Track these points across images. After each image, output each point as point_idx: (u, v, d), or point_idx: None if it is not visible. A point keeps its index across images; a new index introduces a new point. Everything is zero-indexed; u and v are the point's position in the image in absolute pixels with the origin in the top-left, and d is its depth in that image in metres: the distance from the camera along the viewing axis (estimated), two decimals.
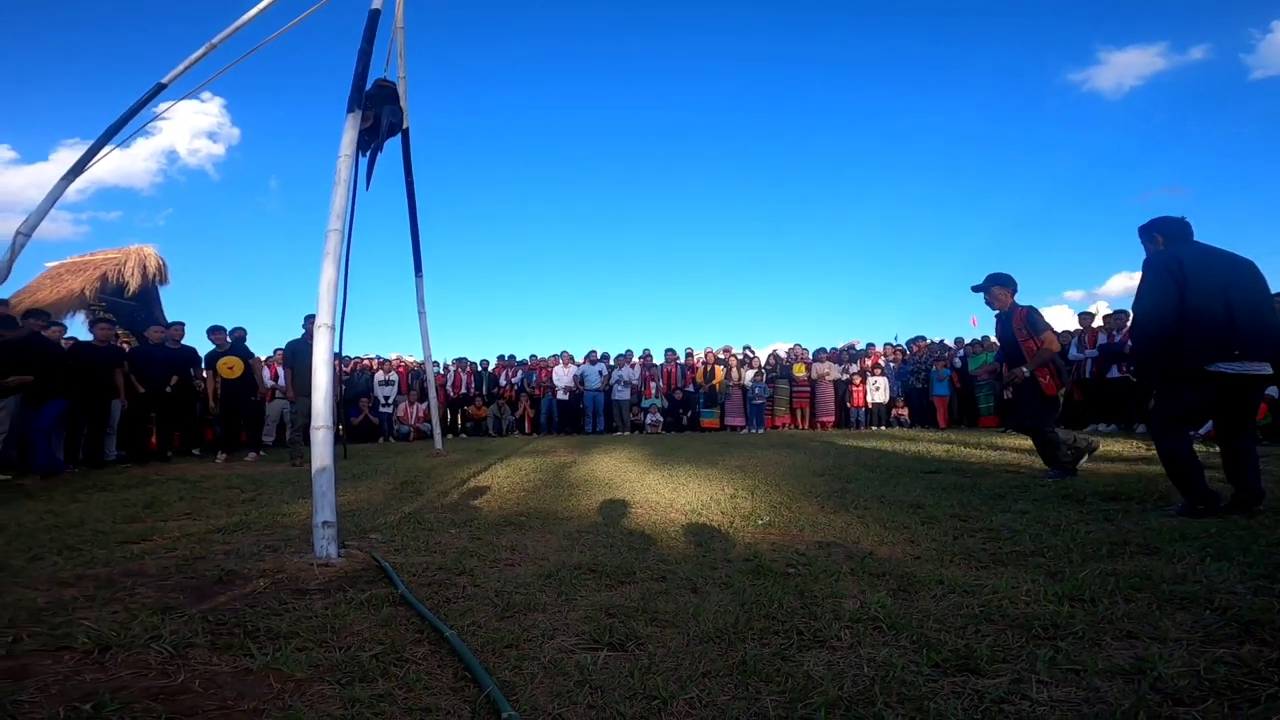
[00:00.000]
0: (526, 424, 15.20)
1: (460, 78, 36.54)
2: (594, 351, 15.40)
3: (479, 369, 15.98)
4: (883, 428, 13.16)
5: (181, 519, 4.07)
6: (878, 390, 13.30)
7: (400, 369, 15.25)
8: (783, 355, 14.77)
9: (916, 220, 37.52)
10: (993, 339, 12.72)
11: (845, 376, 13.68)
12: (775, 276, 38.49)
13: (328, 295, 3.44)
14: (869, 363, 13.94)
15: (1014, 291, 5.68)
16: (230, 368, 9.06)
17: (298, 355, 8.31)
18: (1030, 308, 5.57)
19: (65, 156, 31.96)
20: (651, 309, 37.96)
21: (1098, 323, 11.38)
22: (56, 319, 9.39)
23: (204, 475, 6.29)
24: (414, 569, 2.96)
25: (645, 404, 14.35)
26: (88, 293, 12.57)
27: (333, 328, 3.37)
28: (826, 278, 38.56)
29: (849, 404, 13.50)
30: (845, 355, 14.37)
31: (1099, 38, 33.03)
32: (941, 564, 3.00)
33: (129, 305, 12.69)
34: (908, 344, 14.61)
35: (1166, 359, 3.73)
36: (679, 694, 1.72)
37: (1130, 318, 6.08)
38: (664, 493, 5.29)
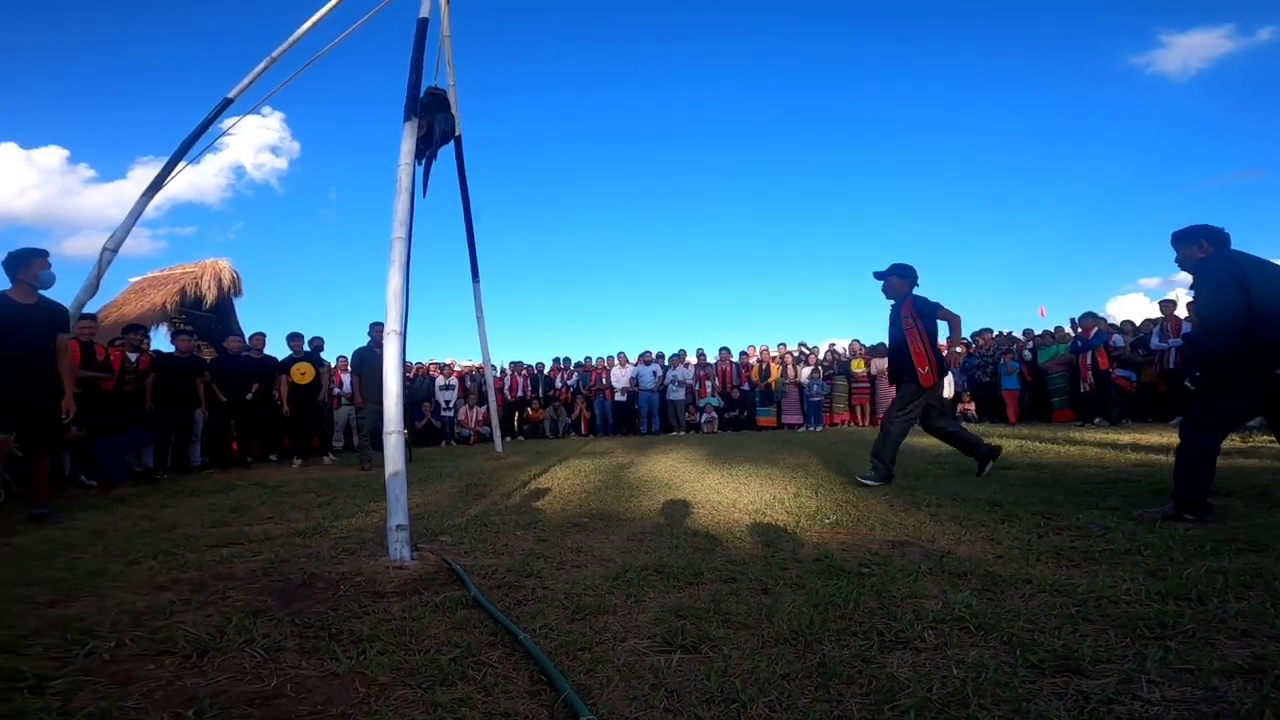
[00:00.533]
0: (583, 425, 15.32)
1: (509, 82, 37.11)
2: (648, 352, 15.41)
3: (535, 372, 16.19)
4: None
5: (264, 523, 4.23)
6: (942, 385, 12.84)
7: (459, 374, 15.57)
8: (840, 351, 14.47)
9: (977, 211, 36.31)
10: (1067, 330, 12.18)
11: None
12: (829, 272, 37.84)
13: (395, 303, 3.50)
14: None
15: (912, 284, 5.68)
16: (302, 373, 9.43)
17: (364, 363, 8.57)
18: (918, 295, 5.63)
19: (141, 174, 33.92)
20: (705, 308, 37.81)
21: (1180, 311, 10.73)
22: (148, 332, 9.95)
23: (282, 480, 6.55)
24: (484, 571, 2.99)
25: (701, 403, 14.27)
26: (169, 306, 13.26)
27: (401, 335, 3.43)
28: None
29: None
30: None
31: (1158, 21, 31.55)
32: (1027, 562, 2.87)
33: (207, 317, 13.32)
34: (972, 337, 14.10)
35: (1230, 364, 3.64)
36: (758, 697, 1.69)
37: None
38: (725, 493, 5.24)
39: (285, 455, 9.95)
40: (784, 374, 13.61)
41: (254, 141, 32.93)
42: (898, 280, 5.69)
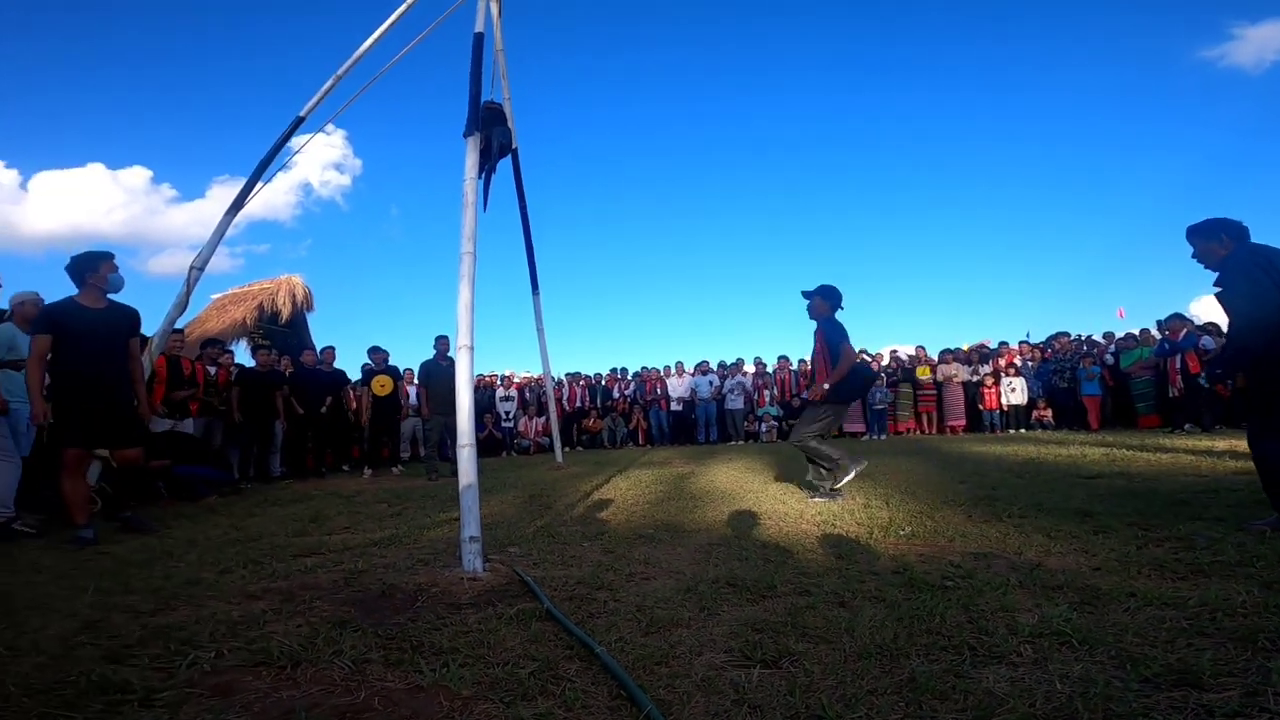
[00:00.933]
0: (640, 435, 15.32)
1: (563, 94, 37.69)
2: (704, 362, 15.32)
3: (592, 382, 16.30)
4: (1022, 430, 12.18)
5: (342, 532, 4.36)
6: (1014, 391, 12.32)
7: (517, 385, 15.80)
8: (904, 358, 14.07)
9: (1045, 212, 34.87)
10: (1153, 333, 11.57)
11: (975, 378, 12.79)
12: (891, 279, 36.94)
13: (465, 317, 3.55)
14: (1002, 363, 12.95)
15: (834, 307, 5.61)
16: (382, 385, 9.77)
17: (431, 375, 8.78)
18: (833, 320, 5.57)
19: (219, 192, 35.89)
20: (762, 317, 37.39)
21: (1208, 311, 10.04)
22: (226, 347, 10.46)
23: (356, 490, 6.76)
24: (554, 583, 2.99)
25: (759, 412, 14.08)
26: (248, 321, 13.89)
27: (472, 348, 3.48)
28: (946, 276, 36.56)
29: (981, 407, 12.60)
30: (975, 355, 13.44)
31: (1228, 14, 29.89)
32: (1128, 575, 2.71)
33: (282, 331, 13.90)
34: (1047, 341, 13.48)
35: (1275, 359, 3.47)
36: (845, 713, 1.63)
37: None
38: (791, 504, 5.13)
39: (356, 466, 10.30)
40: None
41: (320, 159, 34.36)
42: (820, 301, 5.62)
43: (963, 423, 12.74)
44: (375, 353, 10.12)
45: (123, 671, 1.89)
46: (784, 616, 2.57)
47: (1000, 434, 12.05)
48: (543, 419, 14.91)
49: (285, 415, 8.95)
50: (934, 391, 13.01)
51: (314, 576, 3.07)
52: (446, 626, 2.40)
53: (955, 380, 12.71)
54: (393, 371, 10.13)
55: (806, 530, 4.12)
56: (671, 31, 38.41)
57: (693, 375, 15.04)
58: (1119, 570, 2.79)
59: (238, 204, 6.44)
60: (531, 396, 15.40)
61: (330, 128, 7.14)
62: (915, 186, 36.41)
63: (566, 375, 16.48)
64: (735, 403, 14.01)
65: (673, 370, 15.48)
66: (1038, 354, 13.18)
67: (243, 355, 13.23)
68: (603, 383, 16.31)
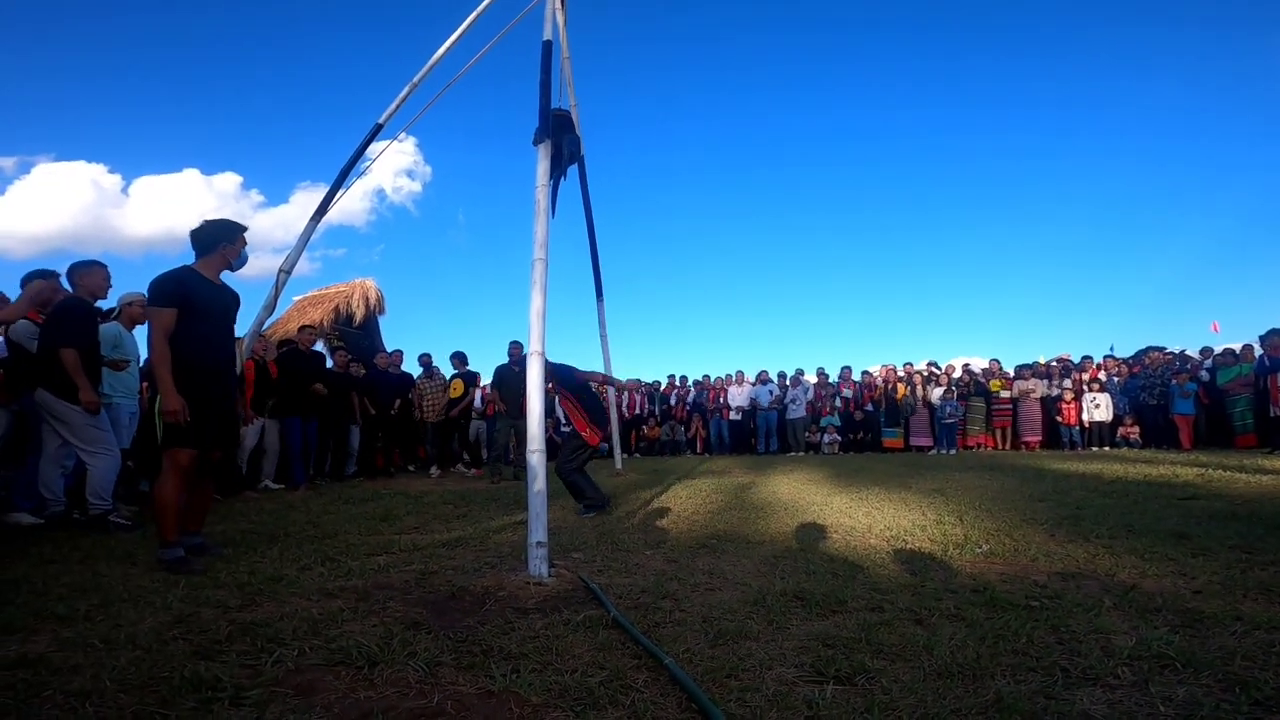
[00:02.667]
0: (698, 444, 15.21)
1: (627, 97, 37.95)
2: (764, 372, 15.11)
3: (651, 389, 16.30)
4: (1106, 448, 11.50)
5: (411, 532, 4.46)
6: (1097, 408, 11.65)
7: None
8: (977, 370, 13.54)
9: (1129, 222, 32.97)
10: (1254, 349, 10.79)
11: (1055, 392, 12.15)
12: (967, 290, 35.67)
13: (537, 324, 3.57)
14: (1085, 377, 12.29)
15: None
16: (455, 389, 10.09)
17: (504, 379, 8.94)
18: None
19: (301, 198, 37.56)
20: (824, 326, 36.66)
21: None
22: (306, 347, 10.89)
23: (423, 491, 6.92)
24: (618, 590, 2.98)
25: (822, 423, 13.78)
26: (325, 323, 14.43)
27: (543, 355, 3.50)
28: (1020, 289, 35.07)
29: (1060, 422, 11.96)
30: (1055, 369, 12.79)
31: None
32: (1233, 599, 2.54)
33: (356, 334, 14.40)
34: (1136, 355, 12.71)
35: None
36: None
37: None
38: (858, 517, 4.98)
39: (423, 466, 10.54)
40: (912, 394, 12.86)
41: (392, 165, 35.44)
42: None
43: (1039, 438, 12.12)
44: (455, 358, 10.48)
45: (213, 668, 1.96)
46: (856, 632, 2.49)
47: (1081, 451, 11.42)
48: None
49: (359, 415, 9.25)
50: (1010, 406, 12.43)
51: (387, 576, 3.14)
52: (515, 631, 2.41)
53: (1033, 395, 12.11)
54: (469, 377, 10.41)
55: (875, 545, 3.99)
56: (755, 33, 38.15)
57: (753, 384, 14.85)
58: (1222, 594, 2.61)
59: (322, 210, 6.71)
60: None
61: (403, 135, 7.36)
62: (996, 198, 35.03)
63: (627, 382, 16.52)
64: (797, 412, 13.74)
65: (733, 379, 15.33)
66: (1124, 369, 12.43)
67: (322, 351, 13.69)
68: (661, 390, 16.29)
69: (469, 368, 10.51)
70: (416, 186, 38.88)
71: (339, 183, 6.77)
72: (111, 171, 37.41)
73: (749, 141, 38.54)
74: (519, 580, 3.05)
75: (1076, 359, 13.50)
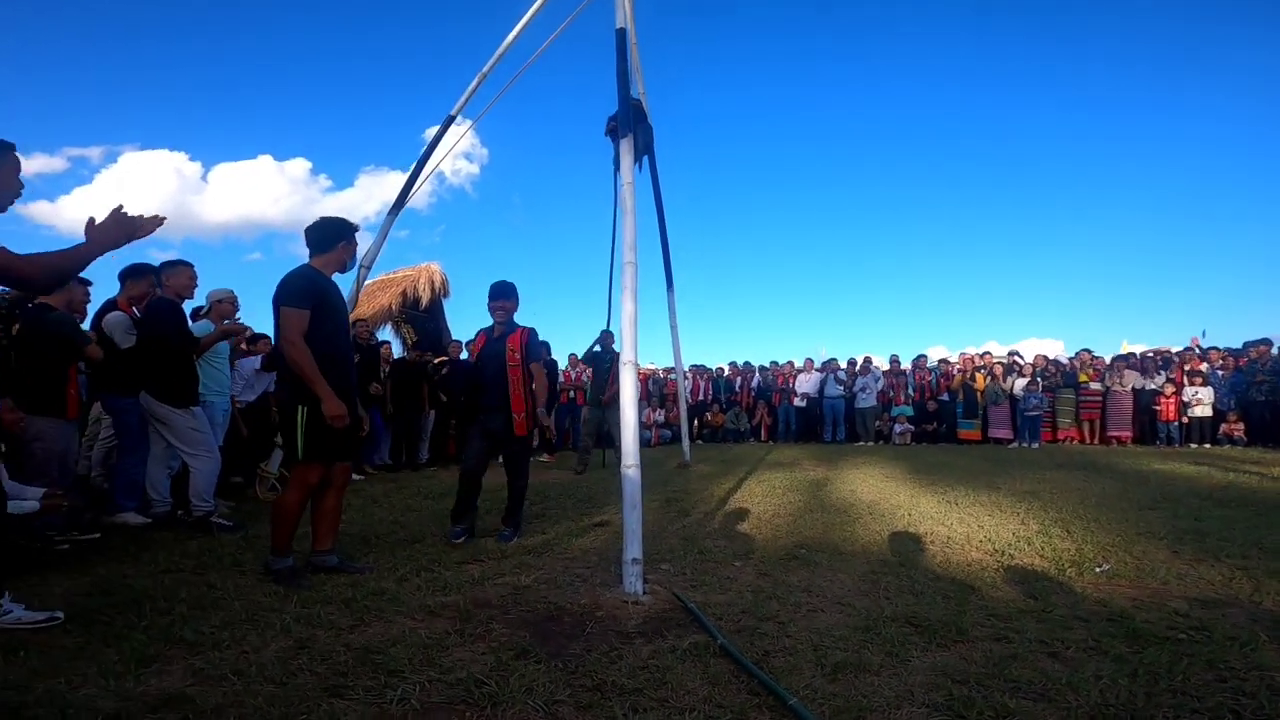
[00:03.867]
0: (763, 431, 14.97)
1: (690, 79, 37.32)
2: (833, 359, 14.71)
3: (716, 375, 16.11)
4: (1207, 446, 10.72)
5: (491, 535, 4.43)
6: (1199, 402, 10.86)
7: (641, 376, 15.85)
8: (1064, 361, 12.82)
9: (1238, 199, 30.48)
10: None
11: (1152, 385, 11.34)
12: (1044, 271, 33.97)
13: (630, 331, 3.44)
14: (1185, 370, 11.46)
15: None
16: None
17: (596, 366, 8.98)
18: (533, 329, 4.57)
19: (366, 181, 38.46)
20: (891, 311, 35.52)
21: None
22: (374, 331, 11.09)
23: (498, 484, 6.87)
24: (715, 610, 2.87)
25: (893, 413, 13.32)
26: (393, 307, 14.70)
27: (636, 364, 3.36)
28: (1092, 271, 33.14)
29: (1160, 417, 11.17)
30: (1152, 361, 11.97)
31: None
32: None
33: (422, 317, 14.65)
34: (1244, 347, 11.76)
35: None
36: None
37: None
38: (951, 524, 4.72)
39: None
40: (992, 383, 12.26)
41: (454, 148, 35.70)
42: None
43: (1129, 434, 11.37)
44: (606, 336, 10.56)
45: (341, 705, 1.95)
46: (985, 666, 2.32)
47: (1179, 448, 10.68)
48: (662, 411, 14.92)
49: (430, 404, 9.38)
50: (1100, 398, 11.71)
51: (483, 590, 3.11)
52: (622, 660, 2.33)
53: (1126, 387, 11.35)
54: (550, 365, 10.50)
55: (979, 559, 3.76)
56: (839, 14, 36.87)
57: (821, 372, 14.48)
58: None
59: (401, 200, 6.77)
60: (654, 388, 15.41)
61: (460, 118, 7.30)
62: (1080, 178, 33.05)
63: (691, 368, 16.37)
64: (867, 401, 13.30)
65: (799, 365, 15.00)
66: (1230, 361, 11.51)
67: (387, 338, 13.94)
68: (725, 376, 16.08)
69: (549, 356, 10.59)
70: (475, 169, 39.19)
71: (414, 175, 6.80)
72: (192, 159, 39.07)
73: (817, 117, 37.31)
74: (615, 598, 2.97)
75: (1155, 346, 12.65)
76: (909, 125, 35.78)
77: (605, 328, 8.66)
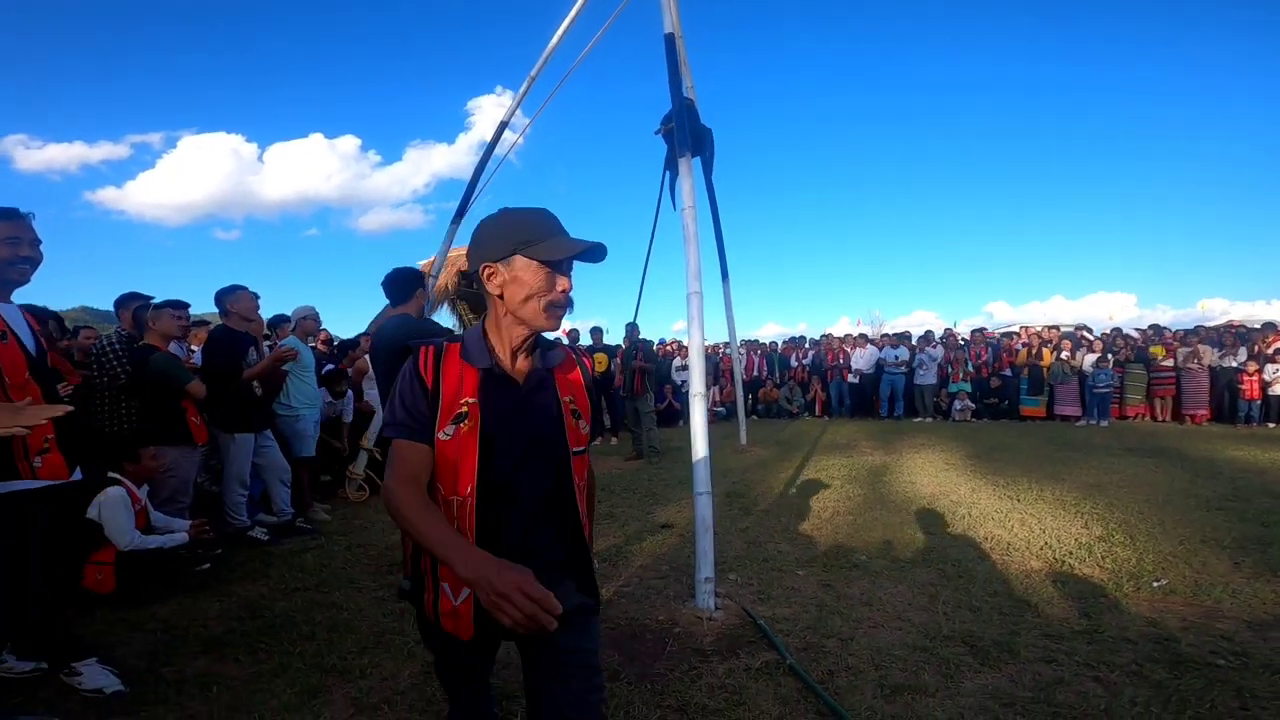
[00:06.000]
0: (817, 406, 14.99)
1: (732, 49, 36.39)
2: (889, 334, 14.55)
3: (769, 350, 16.16)
4: None
5: None
6: (1279, 379, 10.38)
7: None
8: (1135, 335, 12.37)
9: None
10: None
11: (1233, 363, 10.85)
12: (1104, 222, 32.31)
13: (698, 363, 3.62)
14: (1268, 346, 10.93)
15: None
16: (599, 362, 10.66)
17: (625, 361, 9.26)
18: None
19: (414, 155, 39.29)
20: (947, 266, 34.44)
21: None
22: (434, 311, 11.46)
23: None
24: (783, 625, 3.13)
25: (952, 389, 13.14)
26: (449, 286, 15.08)
27: (705, 396, 3.56)
28: (1166, 222, 31.26)
29: (1242, 394, 10.67)
30: (1229, 336, 11.42)
31: None
32: None
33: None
34: None
35: None
36: None
37: None
38: (1012, 526, 4.84)
39: None
40: (1058, 363, 11.94)
41: (495, 119, 35.97)
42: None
43: (1206, 413, 10.98)
44: (595, 332, 11.01)
45: None
46: (1032, 690, 2.53)
47: (1257, 428, 10.29)
48: (716, 388, 15.05)
49: None
50: (1173, 374, 11.29)
51: None
52: (701, 679, 2.63)
53: (1202, 363, 10.89)
54: (609, 350, 10.86)
55: (1038, 570, 3.90)
56: None
57: (878, 346, 14.36)
58: None
59: (460, 211, 7.06)
60: (710, 366, 15.58)
61: (499, 88, 7.41)
62: (1156, 124, 31.05)
63: (743, 343, 16.43)
64: (927, 377, 13.14)
65: (854, 334, 14.91)
66: None
67: (447, 319, 14.28)
68: (779, 350, 16.10)
69: (606, 341, 10.97)
70: (514, 139, 39.39)
71: (471, 186, 7.05)
72: (249, 140, 40.59)
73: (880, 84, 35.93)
74: (690, 613, 3.26)
75: (1235, 303, 12.03)
76: (974, 75, 34.17)
77: (632, 320, 8.92)
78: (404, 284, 3.72)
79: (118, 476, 3.65)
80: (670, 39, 4.57)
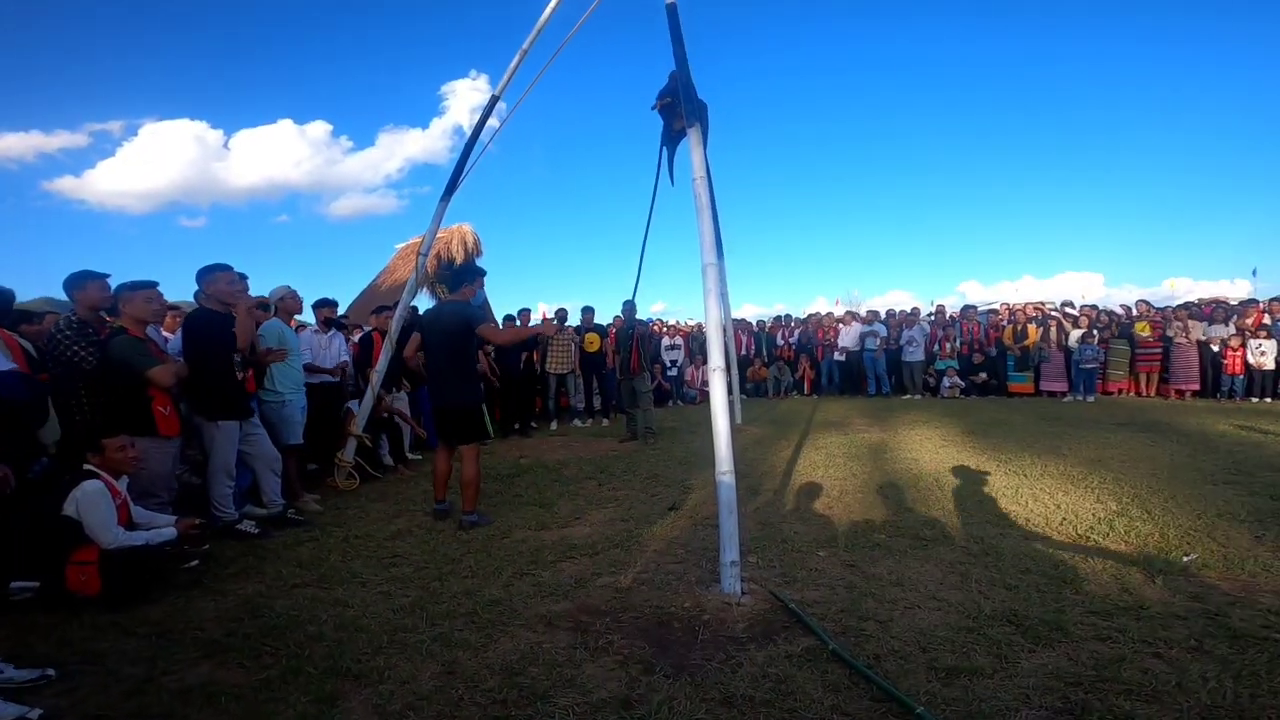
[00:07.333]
0: (806, 385, 14.96)
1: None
2: (873, 311, 14.54)
3: (757, 329, 16.06)
4: (1268, 400, 10.41)
5: (573, 524, 4.60)
6: (1262, 355, 10.51)
7: (683, 333, 15.84)
8: (1119, 311, 12.47)
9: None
10: None
11: (1222, 337, 10.91)
12: (1071, 203, 32.79)
13: (716, 336, 3.46)
14: (1249, 321, 11.05)
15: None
16: (591, 342, 10.48)
17: (619, 339, 9.05)
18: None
19: (386, 140, 38.44)
20: (921, 246, 34.73)
21: None
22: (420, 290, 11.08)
23: (559, 461, 7.04)
24: (815, 609, 2.99)
25: (940, 365, 13.17)
26: (429, 270, 14.71)
27: (725, 369, 3.40)
28: (1132, 203, 31.83)
29: (1225, 370, 10.77)
30: (1219, 312, 11.51)
31: None
32: None
33: (451, 277, 14.69)
34: None
35: None
36: None
37: None
38: (1026, 502, 4.78)
39: (540, 418, 10.61)
40: (1045, 336, 11.99)
41: (468, 103, 35.44)
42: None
43: (1196, 386, 11.06)
44: (586, 312, 10.74)
45: None
46: (1094, 669, 2.44)
47: (1239, 402, 10.42)
48: (707, 368, 14.91)
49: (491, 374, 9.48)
50: (1159, 349, 11.39)
51: (587, 595, 3.25)
52: (741, 668, 2.48)
53: (1190, 338, 10.98)
54: (600, 330, 10.66)
55: (1064, 545, 3.83)
56: None
57: (862, 322, 14.34)
58: None
59: (450, 189, 6.74)
60: (696, 345, 15.44)
61: (474, 72, 7.15)
62: (1121, 104, 31.41)
63: (731, 322, 16.28)
64: (914, 355, 13.15)
65: (836, 313, 14.86)
66: None
67: (426, 301, 13.95)
68: (767, 329, 16.01)
69: (597, 321, 10.77)
70: (494, 122, 38.74)
71: (462, 161, 6.73)
72: (214, 127, 39.27)
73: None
74: (716, 599, 3.10)
75: (1199, 282, 12.18)
76: (936, 54, 34.22)
77: (629, 299, 8.68)
78: (461, 275, 5.24)
79: (95, 469, 3.37)
80: (672, 9, 4.41)
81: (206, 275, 4.49)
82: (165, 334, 5.09)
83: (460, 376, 4.68)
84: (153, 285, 4.19)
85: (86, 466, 3.36)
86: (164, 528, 3.53)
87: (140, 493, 3.82)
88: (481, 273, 5.26)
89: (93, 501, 3.22)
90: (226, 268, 4.57)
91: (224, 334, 4.41)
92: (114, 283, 4.17)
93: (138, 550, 3.30)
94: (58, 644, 2.85)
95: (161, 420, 3.96)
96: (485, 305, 7.04)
